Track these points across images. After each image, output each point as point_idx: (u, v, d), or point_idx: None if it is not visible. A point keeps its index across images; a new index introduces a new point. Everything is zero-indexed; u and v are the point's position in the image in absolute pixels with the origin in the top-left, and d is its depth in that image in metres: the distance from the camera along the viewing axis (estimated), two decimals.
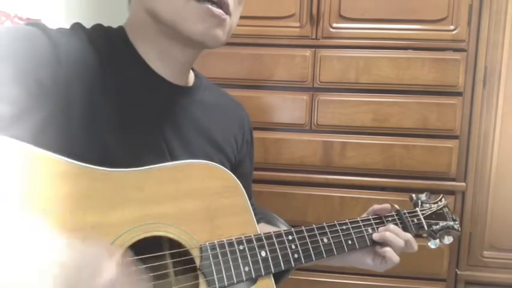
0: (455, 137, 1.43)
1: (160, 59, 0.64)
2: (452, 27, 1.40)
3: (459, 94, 1.42)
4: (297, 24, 1.44)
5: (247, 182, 0.85)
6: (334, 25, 1.43)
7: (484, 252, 1.50)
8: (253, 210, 0.87)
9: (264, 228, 0.85)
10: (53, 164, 0.49)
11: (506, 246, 1.48)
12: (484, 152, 1.46)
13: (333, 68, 1.43)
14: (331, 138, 1.46)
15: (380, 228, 0.77)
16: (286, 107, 1.47)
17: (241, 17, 1.56)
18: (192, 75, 0.74)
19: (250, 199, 0.86)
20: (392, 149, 1.44)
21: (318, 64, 1.44)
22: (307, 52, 1.44)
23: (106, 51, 0.60)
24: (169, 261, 0.57)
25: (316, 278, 1.49)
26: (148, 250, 0.55)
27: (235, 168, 0.79)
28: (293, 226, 0.83)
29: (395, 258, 0.75)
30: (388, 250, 0.75)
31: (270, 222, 0.92)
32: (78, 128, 0.54)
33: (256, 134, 1.47)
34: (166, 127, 0.64)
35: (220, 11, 0.60)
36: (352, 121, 1.44)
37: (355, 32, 1.43)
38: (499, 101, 1.44)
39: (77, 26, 0.61)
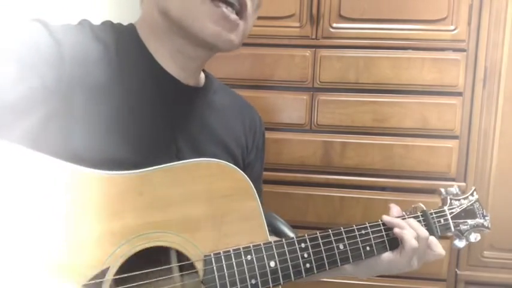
0: (455, 137, 1.43)
1: (171, 57, 0.63)
2: (452, 27, 1.40)
3: (459, 94, 1.42)
4: (297, 24, 1.44)
5: (256, 185, 0.83)
6: (334, 25, 1.43)
7: (484, 252, 1.50)
8: None
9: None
10: (50, 168, 0.47)
11: (506, 246, 1.48)
12: (484, 152, 1.46)
13: (333, 68, 1.43)
14: (331, 138, 1.46)
15: (398, 222, 0.71)
16: (286, 107, 1.46)
17: None
18: (202, 76, 0.73)
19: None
20: (392, 149, 1.44)
21: (318, 64, 1.43)
22: (307, 52, 1.44)
23: (114, 48, 0.59)
24: (176, 274, 0.55)
25: None
26: (154, 258, 0.53)
27: (244, 172, 0.77)
28: (293, 226, 0.83)
29: (413, 242, 0.67)
30: (405, 232, 0.68)
31: (271, 224, 0.90)
32: (81, 127, 0.53)
33: None
34: (175, 126, 0.63)
35: (236, 16, 0.58)
36: (352, 121, 1.44)
37: (355, 32, 1.43)
38: (499, 101, 1.44)
39: (84, 23, 0.60)
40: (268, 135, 1.49)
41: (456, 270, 1.51)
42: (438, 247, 0.73)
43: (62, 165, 0.48)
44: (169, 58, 0.63)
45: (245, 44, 1.43)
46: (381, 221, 0.72)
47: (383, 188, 1.45)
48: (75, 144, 0.52)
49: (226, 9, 0.58)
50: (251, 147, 0.78)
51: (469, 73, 1.43)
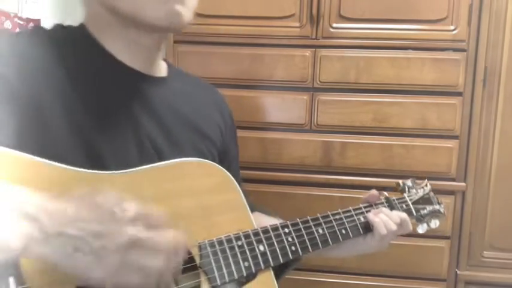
0: (455, 137, 1.43)
1: (127, 49, 0.63)
2: (452, 27, 1.40)
3: (459, 94, 1.42)
4: (297, 24, 1.44)
5: (235, 166, 0.85)
6: (334, 25, 1.43)
7: (484, 252, 1.49)
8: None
9: (259, 218, 0.85)
10: (40, 169, 0.48)
11: (506, 246, 1.48)
12: (484, 152, 1.46)
13: (333, 68, 1.43)
14: (331, 138, 1.46)
15: (373, 211, 0.80)
16: (286, 107, 1.46)
17: (241, 17, 1.56)
18: (164, 65, 0.73)
19: (239, 183, 0.87)
20: (392, 149, 1.44)
21: (318, 64, 1.43)
22: (307, 52, 1.44)
23: (71, 51, 0.60)
24: None
25: (316, 278, 1.49)
26: None
27: (223, 154, 0.78)
28: None
29: (383, 230, 0.75)
30: (377, 221, 0.76)
31: (264, 211, 0.92)
32: (56, 131, 0.54)
33: (256, 134, 1.48)
34: (145, 119, 0.63)
35: None
36: (352, 121, 1.44)
37: (355, 32, 1.43)
38: (499, 101, 1.44)
39: (38, 30, 0.61)
40: (268, 135, 1.49)
41: (456, 270, 1.51)
42: (407, 224, 0.80)
43: (49, 165, 0.49)
44: (126, 51, 0.63)
45: (245, 44, 1.45)
46: (351, 207, 0.80)
47: (383, 188, 1.45)
48: (55, 150, 0.52)
49: None
50: (224, 127, 0.79)
51: (469, 73, 1.43)
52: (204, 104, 0.76)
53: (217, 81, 1.44)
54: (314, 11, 1.42)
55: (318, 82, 1.44)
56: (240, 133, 1.45)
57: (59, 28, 0.63)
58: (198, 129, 0.71)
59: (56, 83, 0.56)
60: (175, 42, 1.47)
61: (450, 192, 1.44)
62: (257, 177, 1.46)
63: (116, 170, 0.55)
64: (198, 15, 1.45)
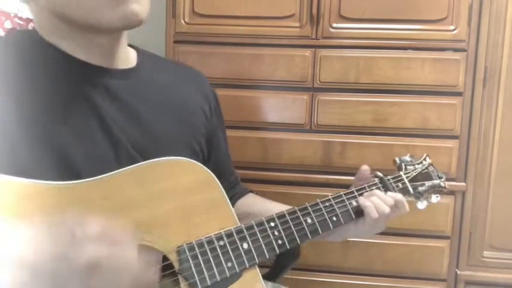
0: (455, 137, 1.43)
1: (83, 48, 0.60)
2: (452, 27, 1.40)
3: (459, 94, 1.42)
4: (297, 24, 1.44)
5: (226, 156, 0.82)
6: (334, 25, 1.43)
7: (484, 252, 1.49)
8: (237, 185, 0.86)
9: (253, 200, 0.86)
10: (13, 187, 0.46)
11: (506, 246, 1.48)
12: (484, 152, 1.46)
13: (333, 68, 1.43)
14: (331, 138, 1.46)
15: (365, 194, 0.75)
16: (286, 107, 1.46)
17: (241, 17, 1.56)
18: (132, 55, 0.69)
19: (232, 175, 0.85)
20: (392, 149, 1.43)
21: (318, 64, 1.43)
22: (307, 52, 1.44)
23: (25, 56, 0.58)
24: None
25: (316, 278, 1.49)
26: None
27: (210, 139, 0.76)
28: None
29: (374, 214, 0.71)
30: (368, 205, 0.71)
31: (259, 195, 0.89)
32: (23, 143, 0.52)
33: (256, 134, 1.48)
34: (117, 116, 0.61)
35: None
36: (352, 121, 1.44)
37: (355, 32, 1.43)
38: (499, 101, 1.44)
39: None
40: (268, 135, 1.49)
41: (456, 270, 1.51)
42: (403, 205, 0.75)
43: (25, 182, 0.47)
44: (83, 50, 0.60)
45: (245, 44, 1.45)
46: (342, 192, 0.75)
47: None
48: (27, 163, 0.51)
49: None
50: (208, 110, 0.76)
51: (469, 73, 1.43)
52: (182, 89, 0.73)
53: (217, 81, 1.44)
54: (314, 11, 1.42)
55: (318, 82, 1.44)
56: (240, 133, 1.47)
57: (12, 33, 0.63)
58: (178, 116, 0.69)
59: (15, 90, 0.54)
60: (175, 42, 1.47)
61: (450, 192, 1.44)
62: (257, 177, 1.46)
63: (91, 172, 0.53)
64: (198, 15, 1.45)
